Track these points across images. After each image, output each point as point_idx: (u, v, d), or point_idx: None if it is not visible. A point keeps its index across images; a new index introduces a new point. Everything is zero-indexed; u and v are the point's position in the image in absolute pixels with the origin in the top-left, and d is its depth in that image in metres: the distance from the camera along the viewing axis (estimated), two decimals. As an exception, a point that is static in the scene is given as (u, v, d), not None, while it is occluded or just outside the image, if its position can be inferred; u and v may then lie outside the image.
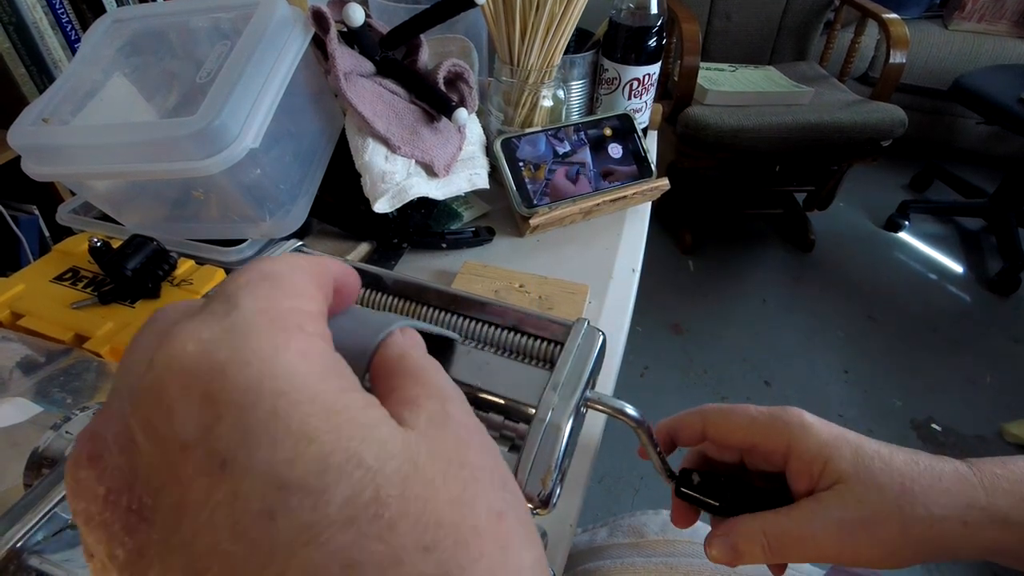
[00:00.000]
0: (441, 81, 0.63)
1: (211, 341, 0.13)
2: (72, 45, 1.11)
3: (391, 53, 0.64)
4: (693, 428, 0.35)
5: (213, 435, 0.12)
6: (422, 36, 0.66)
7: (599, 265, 0.65)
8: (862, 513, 0.29)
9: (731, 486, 0.34)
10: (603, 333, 0.30)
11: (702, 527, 0.55)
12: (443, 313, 0.32)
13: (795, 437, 0.32)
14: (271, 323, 0.14)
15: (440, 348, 0.31)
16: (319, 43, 0.58)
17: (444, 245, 0.66)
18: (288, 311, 0.14)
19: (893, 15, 1.68)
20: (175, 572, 0.12)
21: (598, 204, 0.68)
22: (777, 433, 0.32)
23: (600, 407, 0.29)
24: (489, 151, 0.70)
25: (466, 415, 0.16)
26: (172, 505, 0.12)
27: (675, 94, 1.68)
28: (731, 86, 1.72)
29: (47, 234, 1.19)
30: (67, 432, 0.26)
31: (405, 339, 0.19)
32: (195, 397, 0.13)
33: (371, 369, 0.18)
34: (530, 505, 0.24)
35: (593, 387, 0.29)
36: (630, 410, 0.30)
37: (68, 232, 0.60)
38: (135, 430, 0.13)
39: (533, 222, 0.65)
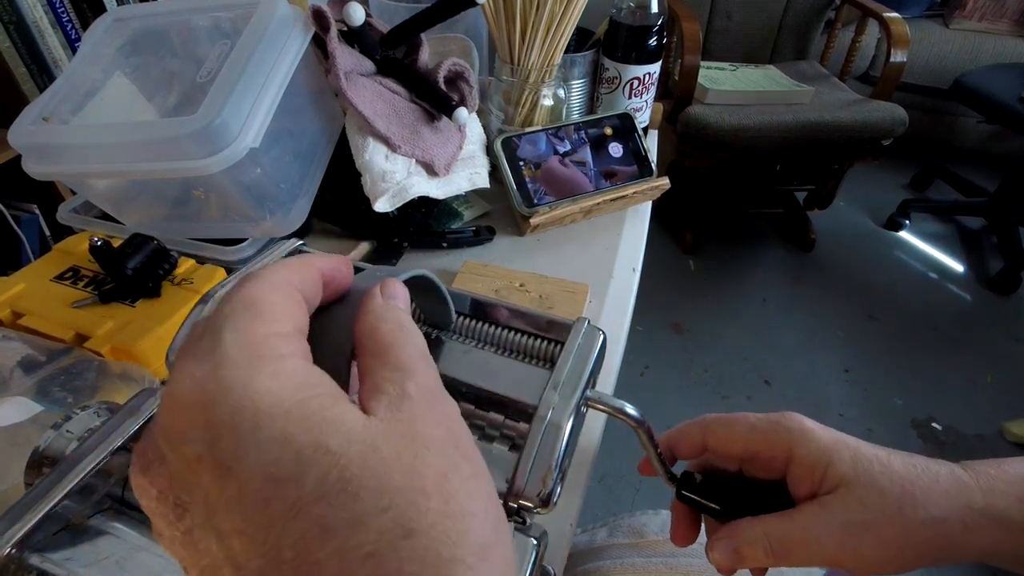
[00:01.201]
0: (441, 80, 0.63)
1: (201, 378, 0.17)
2: (72, 44, 1.11)
3: (391, 52, 0.64)
4: (693, 440, 0.35)
5: (216, 449, 0.16)
6: (422, 35, 0.66)
7: (599, 264, 0.65)
8: (865, 516, 0.29)
9: (732, 488, 0.34)
10: (603, 333, 0.30)
11: (701, 529, 0.55)
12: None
13: (796, 442, 0.32)
14: (247, 354, 0.17)
15: (435, 343, 0.31)
16: (319, 42, 0.58)
17: (444, 244, 0.66)
18: (264, 338, 0.18)
19: (894, 14, 1.68)
20: (213, 543, 0.16)
21: (598, 203, 0.68)
22: (778, 439, 0.32)
23: (600, 407, 0.29)
24: (489, 150, 0.70)
25: (423, 389, 0.19)
26: (200, 499, 0.16)
27: (675, 93, 1.68)
28: (732, 85, 1.72)
29: (48, 233, 1.19)
30: (67, 431, 0.26)
31: (380, 307, 0.21)
32: (197, 423, 0.16)
33: (355, 343, 0.20)
34: (530, 504, 0.24)
35: (593, 386, 0.29)
36: (630, 409, 0.30)
37: (69, 231, 0.60)
38: (164, 449, 0.17)
39: (533, 221, 0.65)
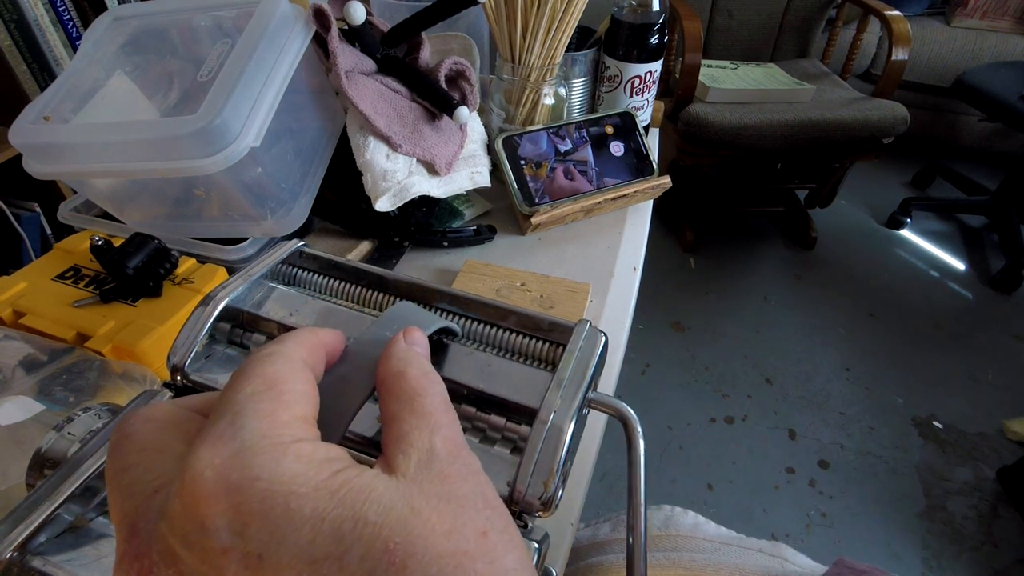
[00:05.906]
0: (442, 79, 0.63)
1: (224, 466, 0.16)
2: (73, 42, 1.11)
3: (392, 51, 0.64)
4: None
5: (245, 537, 0.15)
6: (423, 34, 0.65)
7: (600, 263, 0.65)
8: None
9: None
10: (605, 335, 0.30)
11: (703, 524, 0.55)
12: (445, 314, 0.32)
13: None
14: (270, 442, 0.17)
15: (439, 346, 0.31)
16: (320, 41, 0.58)
17: (445, 243, 0.66)
18: (286, 424, 0.17)
19: (895, 12, 1.68)
20: None
21: (599, 202, 0.68)
22: None
23: (602, 408, 0.29)
24: (491, 149, 0.70)
25: (449, 444, 0.19)
26: None
27: (677, 92, 1.68)
28: (733, 83, 1.72)
29: (49, 231, 1.19)
30: (69, 433, 0.26)
31: (405, 352, 0.21)
32: (222, 512, 0.15)
33: (377, 383, 0.21)
34: (532, 508, 0.24)
35: (595, 388, 0.29)
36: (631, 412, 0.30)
37: (70, 230, 0.60)
38: (175, 546, 0.16)
39: (534, 220, 0.65)
